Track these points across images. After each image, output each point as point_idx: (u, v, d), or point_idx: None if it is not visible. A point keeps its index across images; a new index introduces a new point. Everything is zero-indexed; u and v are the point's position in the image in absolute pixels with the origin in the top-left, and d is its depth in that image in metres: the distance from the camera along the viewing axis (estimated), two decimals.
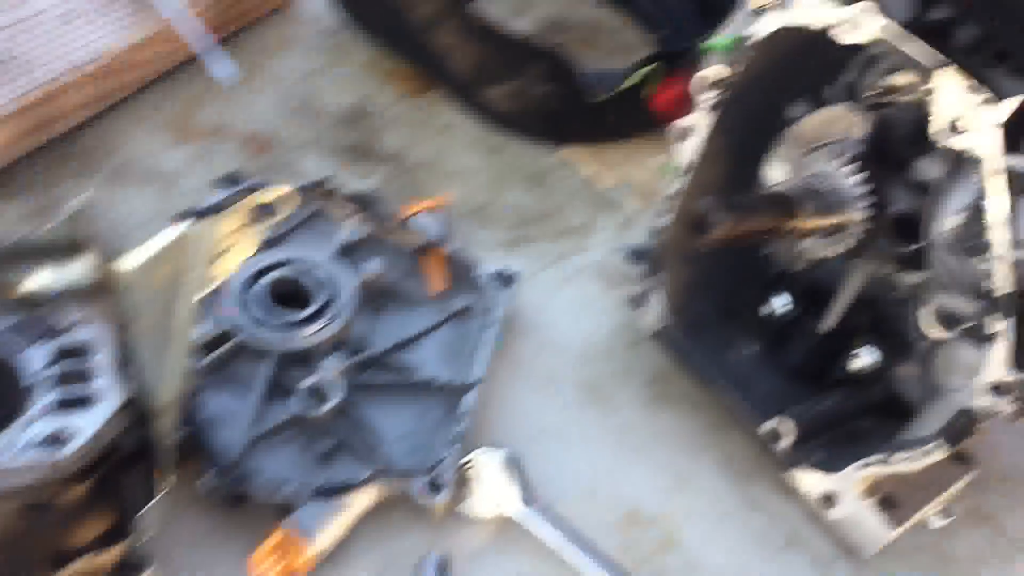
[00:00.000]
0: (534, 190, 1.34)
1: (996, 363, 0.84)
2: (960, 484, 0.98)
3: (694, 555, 1.01)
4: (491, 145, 1.38)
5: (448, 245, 1.17)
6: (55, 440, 0.75)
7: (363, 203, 1.19)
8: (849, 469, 0.96)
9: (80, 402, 0.78)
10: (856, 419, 1.04)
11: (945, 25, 0.93)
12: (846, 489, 0.98)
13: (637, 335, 1.16)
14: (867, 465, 0.95)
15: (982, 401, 0.85)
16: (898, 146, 0.94)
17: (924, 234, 0.89)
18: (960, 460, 0.98)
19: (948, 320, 0.93)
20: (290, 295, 1.10)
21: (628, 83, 1.26)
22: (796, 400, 1.05)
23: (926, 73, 0.83)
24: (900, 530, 0.97)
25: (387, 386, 1.06)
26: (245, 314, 1.07)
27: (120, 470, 0.79)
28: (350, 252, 1.16)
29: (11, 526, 0.73)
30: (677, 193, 1.04)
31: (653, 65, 1.25)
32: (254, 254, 1.13)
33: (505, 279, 1.17)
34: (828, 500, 0.99)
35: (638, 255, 1.12)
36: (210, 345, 1.04)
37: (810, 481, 1.01)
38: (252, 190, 1.19)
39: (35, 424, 0.76)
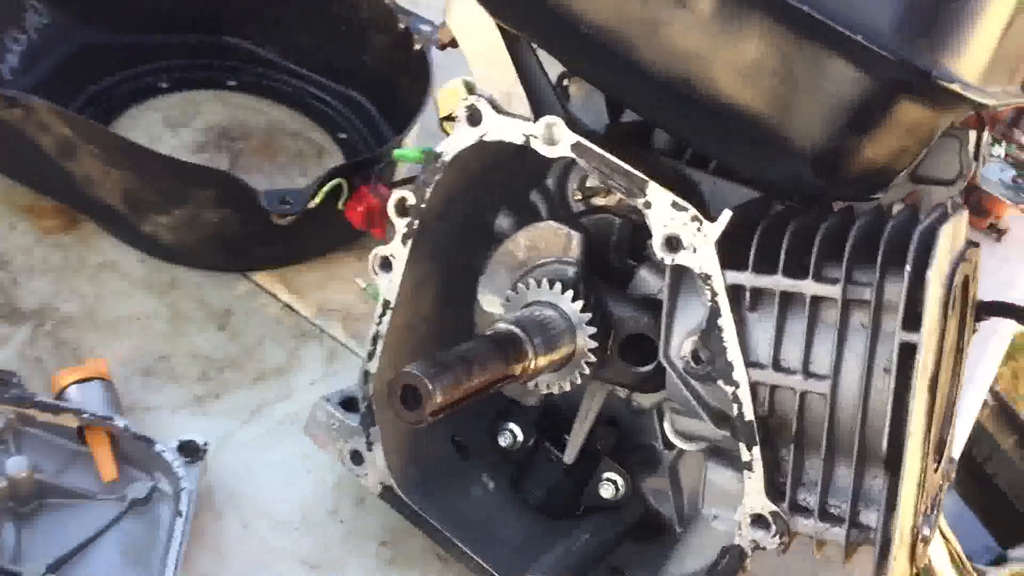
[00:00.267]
0: (222, 330, 1.15)
1: (754, 493, 0.77)
2: None
3: None
4: (163, 283, 1.18)
5: (117, 419, 0.97)
6: None
7: None
8: None
9: None
10: (613, 549, 0.96)
11: (645, 128, 0.87)
12: None
13: (366, 488, 1.01)
14: None
15: (746, 534, 0.78)
16: (615, 260, 0.87)
17: (658, 353, 0.82)
18: None
19: (690, 437, 0.86)
20: None
21: (317, 200, 1.11)
22: (545, 539, 0.95)
23: (635, 186, 0.76)
24: None
25: None
26: None
27: None
28: None
29: None
30: (381, 335, 0.90)
31: (337, 180, 1.11)
32: None
33: (192, 451, 0.98)
34: None
35: (348, 405, 0.97)
36: None
37: None
38: None
39: None
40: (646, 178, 0.75)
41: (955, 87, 0.64)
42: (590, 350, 0.83)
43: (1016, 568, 2.33)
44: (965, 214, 0.73)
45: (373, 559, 0.99)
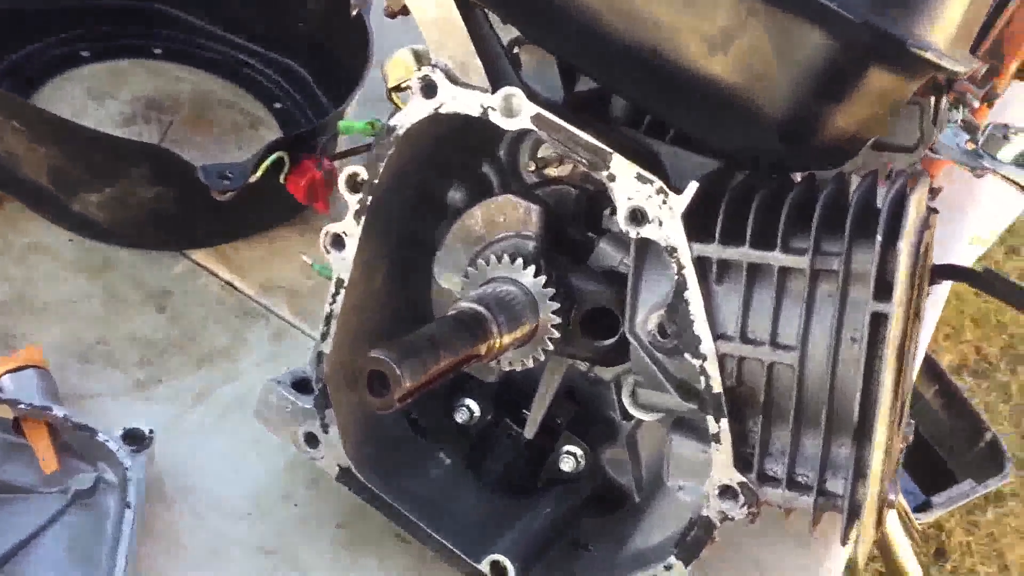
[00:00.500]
0: (161, 312, 1.11)
1: (722, 465, 0.76)
2: None
3: None
4: (96, 264, 1.12)
5: (56, 408, 0.92)
6: None
7: None
8: None
9: None
10: (575, 522, 0.95)
11: (601, 98, 0.85)
12: None
13: (320, 470, 0.98)
14: None
15: (714, 505, 0.78)
16: (574, 233, 0.85)
17: (622, 327, 0.81)
18: None
19: (652, 409, 0.86)
20: None
21: (258, 174, 1.07)
22: (505, 515, 0.94)
23: (598, 158, 0.74)
24: None
25: None
26: None
27: None
28: None
29: None
30: (335, 314, 0.87)
31: (279, 153, 1.07)
32: None
33: (137, 439, 0.94)
34: None
35: (300, 386, 0.94)
36: None
37: None
38: None
39: None
40: (610, 150, 0.74)
41: (929, 55, 0.64)
42: (553, 326, 0.81)
43: (940, 513, 2.41)
44: (928, 181, 0.73)
45: (330, 542, 0.96)
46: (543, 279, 0.80)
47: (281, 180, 1.11)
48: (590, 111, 0.86)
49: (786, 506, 0.77)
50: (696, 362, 0.75)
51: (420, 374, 0.66)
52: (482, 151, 0.92)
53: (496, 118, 0.78)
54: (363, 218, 0.85)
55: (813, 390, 0.73)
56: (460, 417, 0.97)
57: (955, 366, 3.05)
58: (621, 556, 0.87)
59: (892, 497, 0.75)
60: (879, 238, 0.67)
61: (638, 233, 0.74)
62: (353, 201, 0.84)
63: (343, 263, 0.86)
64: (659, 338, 0.77)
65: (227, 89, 1.36)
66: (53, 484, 0.90)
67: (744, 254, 0.72)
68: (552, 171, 0.92)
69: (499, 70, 0.80)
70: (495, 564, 0.88)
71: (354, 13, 1.27)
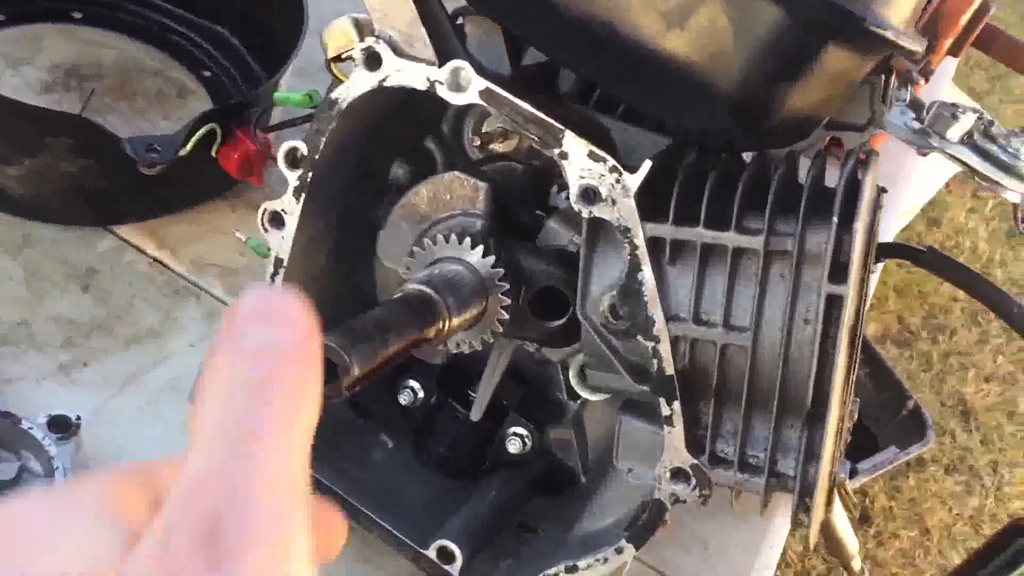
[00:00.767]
0: (86, 291, 1.06)
1: (673, 447, 0.76)
2: None
3: None
4: (15, 241, 1.07)
5: None
6: None
7: None
8: None
9: None
10: (523, 505, 0.94)
11: (548, 71, 0.83)
12: None
13: None
14: None
15: (665, 488, 0.77)
16: (521, 211, 0.83)
17: (571, 307, 0.79)
18: None
19: (601, 389, 0.85)
20: None
21: (188, 147, 1.02)
22: (451, 499, 0.92)
23: (549, 135, 0.72)
24: None
25: None
26: None
27: None
28: None
29: None
30: None
31: (211, 125, 1.03)
32: None
33: (63, 426, 0.89)
34: None
35: None
36: None
37: None
38: None
39: None
40: (561, 127, 0.71)
41: (888, 34, 0.63)
42: (502, 307, 0.79)
43: (864, 479, 2.48)
44: (878, 161, 0.73)
45: None
46: (492, 259, 0.78)
47: (213, 153, 1.06)
48: (538, 85, 0.83)
49: (737, 487, 0.76)
50: (649, 344, 0.74)
51: (370, 361, 0.64)
52: (426, 126, 0.89)
53: (444, 92, 0.75)
54: (303, 195, 0.81)
55: (765, 372, 0.72)
56: (404, 399, 0.95)
57: (879, 336, 3.11)
58: (571, 539, 0.86)
59: (842, 476, 0.75)
60: (835, 220, 0.66)
61: (591, 212, 0.72)
62: (293, 177, 0.81)
63: (283, 242, 0.83)
64: (611, 320, 0.76)
65: (152, 56, 1.30)
66: None
67: (698, 234, 0.71)
68: (497, 146, 0.89)
69: (446, 42, 0.77)
70: (442, 549, 0.86)
71: None
